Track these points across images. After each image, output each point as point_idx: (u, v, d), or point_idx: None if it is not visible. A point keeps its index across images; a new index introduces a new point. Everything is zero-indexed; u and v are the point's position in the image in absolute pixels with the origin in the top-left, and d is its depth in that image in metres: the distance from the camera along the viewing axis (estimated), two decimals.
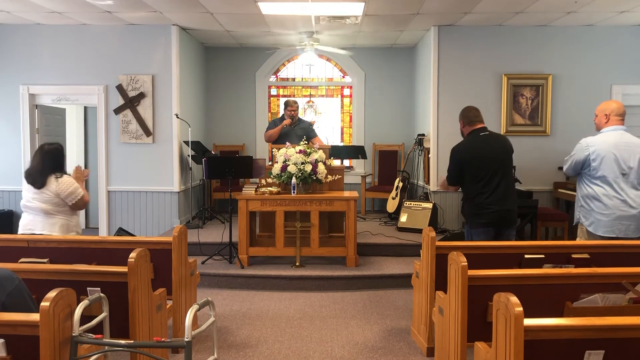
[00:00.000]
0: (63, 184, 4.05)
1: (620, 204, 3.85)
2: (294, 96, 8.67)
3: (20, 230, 4.12)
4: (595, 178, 3.92)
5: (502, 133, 6.65)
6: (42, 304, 2.07)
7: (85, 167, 8.23)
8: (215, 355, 2.62)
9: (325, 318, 4.40)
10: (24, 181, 4.11)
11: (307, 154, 5.45)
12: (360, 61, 8.51)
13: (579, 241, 4.00)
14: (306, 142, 5.72)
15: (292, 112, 6.56)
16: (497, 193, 4.06)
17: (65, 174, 4.14)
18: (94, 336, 2.23)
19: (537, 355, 2.08)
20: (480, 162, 4.08)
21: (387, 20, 6.67)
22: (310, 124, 6.83)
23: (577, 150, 4.03)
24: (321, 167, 5.44)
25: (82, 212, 8.18)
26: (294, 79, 8.77)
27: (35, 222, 4.06)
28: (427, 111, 7.26)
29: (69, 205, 4.11)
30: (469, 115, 4.24)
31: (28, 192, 4.07)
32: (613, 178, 3.86)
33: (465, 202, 4.29)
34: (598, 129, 4.07)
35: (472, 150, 4.13)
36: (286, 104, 6.68)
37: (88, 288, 2.92)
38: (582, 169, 4.01)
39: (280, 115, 6.58)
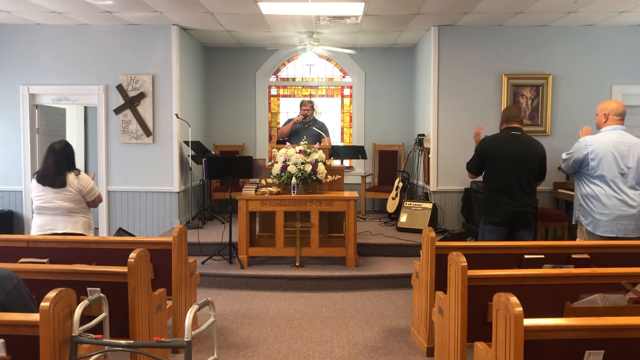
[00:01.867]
0: (84, 181, 4.12)
1: (619, 204, 3.85)
2: (294, 96, 8.68)
3: (36, 231, 4.08)
4: (594, 177, 3.92)
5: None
6: (42, 304, 2.07)
7: (85, 167, 8.24)
8: (215, 355, 2.62)
9: (325, 318, 4.40)
10: (36, 184, 4.08)
11: (307, 154, 5.45)
12: (360, 61, 8.51)
13: (579, 241, 4.00)
14: (306, 142, 5.72)
15: (306, 112, 6.59)
16: (513, 193, 4.06)
17: (81, 170, 4.20)
18: (94, 336, 2.23)
19: (537, 355, 2.08)
20: (499, 157, 4.11)
21: (387, 20, 6.67)
22: (326, 125, 6.83)
23: (576, 149, 4.03)
24: (321, 167, 5.44)
25: None
26: (294, 79, 8.77)
27: (55, 221, 4.06)
28: (427, 111, 7.26)
29: (87, 201, 4.17)
30: (508, 114, 4.29)
31: (45, 193, 4.05)
32: (611, 178, 3.87)
33: (482, 198, 4.31)
34: (598, 128, 4.09)
35: (498, 144, 4.17)
36: (301, 103, 6.76)
37: (88, 288, 2.92)
38: (580, 168, 4.01)
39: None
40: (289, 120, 6.76)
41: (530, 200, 4.15)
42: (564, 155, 4.17)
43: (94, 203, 4.24)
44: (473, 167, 4.33)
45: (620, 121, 3.98)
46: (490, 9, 6.04)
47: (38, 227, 4.09)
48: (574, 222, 4.21)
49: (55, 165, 4.06)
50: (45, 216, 4.09)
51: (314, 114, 6.79)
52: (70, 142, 4.31)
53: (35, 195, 4.10)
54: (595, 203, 3.92)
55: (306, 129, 6.55)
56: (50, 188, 4.04)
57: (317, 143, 5.91)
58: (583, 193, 4.01)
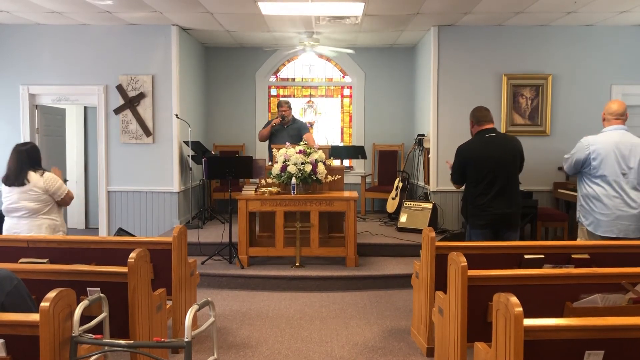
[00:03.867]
0: (50, 180, 4.06)
1: (621, 204, 3.85)
2: (294, 96, 8.68)
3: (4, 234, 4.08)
4: (596, 177, 3.92)
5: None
6: (42, 304, 2.07)
7: (86, 167, 8.24)
8: (215, 356, 2.62)
9: (325, 318, 4.40)
10: (3, 186, 4.06)
11: (307, 154, 5.44)
12: (360, 61, 8.51)
13: (579, 241, 4.01)
14: (305, 143, 5.72)
15: (283, 112, 6.60)
16: (498, 195, 4.03)
17: (46, 170, 4.14)
18: (93, 336, 2.23)
19: (537, 355, 2.08)
20: (483, 163, 4.06)
21: (387, 20, 6.67)
22: (305, 123, 6.85)
23: (577, 149, 4.03)
24: (321, 167, 5.44)
25: (82, 212, 8.22)
26: (294, 79, 8.77)
27: (19, 225, 4.03)
28: (427, 111, 7.26)
29: (56, 201, 4.12)
30: (478, 115, 4.21)
31: (11, 195, 4.03)
32: (613, 178, 3.87)
33: (467, 202, 4.28)
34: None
35: (476, 151, 4.11)
36: (278, 104, 6.78)
37: (88, 288, 2.92)
38: (582, 168, 4.01)
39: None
40: (268, 123, 6.76)
41: (516, 200, 4.12)
42: (566, 156, 4.17)
43: (64, 202, 4.18)
44: (457, 178, 4.26)
45: (620, 121, 3.98)
46: (490, 9, 6.04)
47: (6, 230, 4.09)
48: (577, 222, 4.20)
49: (16, 164, 4.04)
50: (11, 219, 4.08)
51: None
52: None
53: (4, 197, 4.08)
54: (596, 203, 3.92)
55: (285, 129, 6.57)
56: (16, 188, 4.01)
57: (314, 143, 5.91)
58: (584, 193, 4.01)
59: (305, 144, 5.66)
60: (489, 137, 4.13)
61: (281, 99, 7.54)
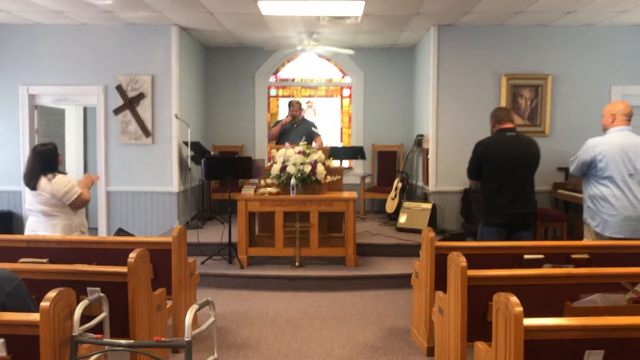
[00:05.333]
0: (57, 184, 4.02)
1: (628, 205, 3.84)
2: (293, 96, 8.67)
3: (25, 232, 4.20)
4: (603, 179, 3.91)
5: None
6: (42, 304, 2.07)
7: (85, 167, 8.23)
8: (215, 355, 2.62)
9: (325, 318, 4.40)
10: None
11: (306, 155, 5.44)
12: (360, 61, 8.50)
13: (579, 241, 4.01)
14: (306, 142, 5.72)
15: (294, 112, 6.66)
16: (515, 195, 4.04)
17: (60, 173, 4.12)
18: (94, 336, 2.23)
19: (537, 355, 2.08)
20: (499, 161, 4.08)
21: (387, 20, 6.67)
22: (314, 123, 6.90)
23: (583, 151, 4.02)
24: (320, 168, 5.44)
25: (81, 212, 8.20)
26: (293, 80, 8.77)
27: (38, 223, 4.10)
28: (426, 112, 7.26)
29: (67, 204, 4.10)
30: (499, 114, 4.25)
31: (29, 196, 4.13)
32: (620, 179, 3.86)
33: (482, 201, 4.29)
34: (604, 129, 4.07)
35: (493, 148, 4.14)
36: (289, 104, 6.85)
37: (88, 288, 2.93)
38: (588, 170, 4.00)
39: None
40: (278, 122, 6.82)
41: (531, 201, 4.14)
42: (571, 159, 4.17)
43: (74, 205, 4.11)
44: (472, 172, 4.29)
45: (627, 122, 3.98)
46: (490, 9, 6.05)
47: (27, 228, 4.20)
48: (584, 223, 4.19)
49: (30, 167, 4.07)
50: (31, 218, 4.17)
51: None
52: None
53: (27, 196, 4.20)
54: (603, 204, 3.91)
55: (295, 128, 6.61)
56: (30, 190, 4.08)
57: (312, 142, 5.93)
58: (591, 194, 4.00)
59: (306, 143, 5.66)
60: (509, 136, 4.14)
61: (292, 99, 7.61)
